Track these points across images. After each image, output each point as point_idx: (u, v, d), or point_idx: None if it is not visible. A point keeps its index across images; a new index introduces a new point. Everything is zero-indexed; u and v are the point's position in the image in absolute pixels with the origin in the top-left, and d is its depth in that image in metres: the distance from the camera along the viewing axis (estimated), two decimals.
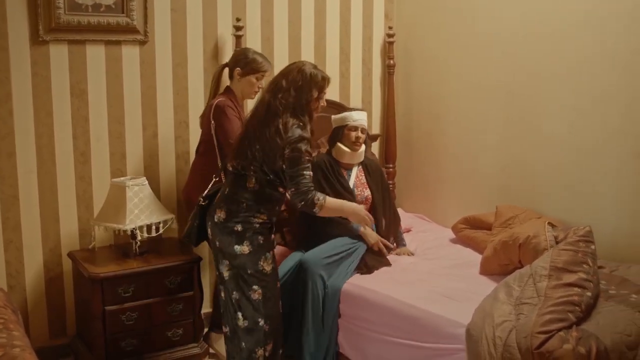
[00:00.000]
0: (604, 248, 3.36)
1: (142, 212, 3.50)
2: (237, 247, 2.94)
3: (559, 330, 2.47)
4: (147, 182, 3.61)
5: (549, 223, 3.30)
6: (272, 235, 3.06)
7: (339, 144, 3.69)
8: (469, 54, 4.14)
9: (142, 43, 3.76)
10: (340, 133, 3.68)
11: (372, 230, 3.61)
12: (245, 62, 3.54)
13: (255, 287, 2.97)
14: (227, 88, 3.60)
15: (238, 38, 3.89)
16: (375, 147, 4.60)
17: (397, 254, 3.76)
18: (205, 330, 3.82)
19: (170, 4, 3.81)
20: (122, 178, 3.60)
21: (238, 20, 3.88)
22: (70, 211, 3.68)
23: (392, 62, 4.56)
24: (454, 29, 4.24)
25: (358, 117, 3.68)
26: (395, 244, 3.81)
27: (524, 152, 3.85)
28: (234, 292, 2.99)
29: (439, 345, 2.84)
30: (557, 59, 3.63)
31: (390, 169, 4.57)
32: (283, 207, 3.30)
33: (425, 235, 4.09)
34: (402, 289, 3.18)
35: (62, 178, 3.64)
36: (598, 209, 3.50)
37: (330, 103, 4.31)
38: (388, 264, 3.54)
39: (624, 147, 3.37)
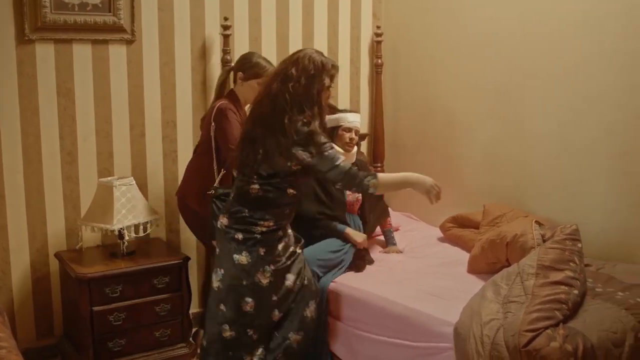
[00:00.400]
0: (591, 246, 3.38)
1: (129, 212, 3.48)
2: (235, 257, 2.83)
3: (546, 328, 2.49)
4: (134, 181, 3.59)
5: (536, 221, 3.32)
6: (279, 245, 2.89)
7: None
8: (457, 53, 4.16)
9: (129, 42, 3.74)
10: (334, 134, 3.67)
11: (359, 227, 3.64)
12: (248, 66, 3.49)
13: (248, 299, 2.85)
14: (231, 92, 3.56)
15: (226, 37, 3.88)
16: (363, 146, 4.60)
17: (385, 252, 3.77)
18: (194, 329, 3.80)
19: (158, 3, 3.79)
20: (109, 178, 3.59)
21: (226, 19, 3.88)
22: (57, 211, 3.66)
23: (380, 61, 4.57)
24: (442, 29, 4.25)
25: (353, 119, 3.67)
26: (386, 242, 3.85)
27: (512, 151, 3.87)
28: (221, 305, 2.89)
29: (427, 344, 2.84)
30: (546, 59, 3.65)
31: (379, 168, 4.58)
32: None
33: (413, 234, 4.10)
34: (390, 287, 3.19)
35: (49, 178, 3.62)
36: (585, 207, 3.53)
37: None
38: (371, 261, 3.55)
39: (611, 146, 3.40)
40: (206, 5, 3.95)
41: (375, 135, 4.62)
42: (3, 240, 3.53)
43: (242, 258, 2.81)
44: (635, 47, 3.25)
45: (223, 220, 2.88)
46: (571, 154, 3.57)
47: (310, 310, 3.01)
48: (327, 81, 2.81)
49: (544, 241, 3.09)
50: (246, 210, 2.82)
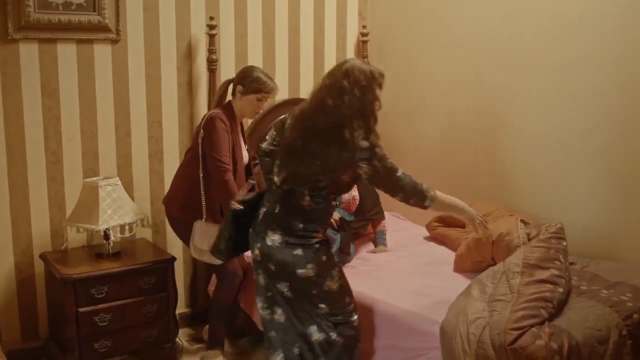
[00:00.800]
0: (576, 244, 3.41)
1: (115, 212, 3.47)
2: (300, 271, 2.71)
3: (532, 326, 2.51)
4: (120, 182, 3.58)
5: (521, 220, 3.34)
6: (333, 248, 2.88)
7: None
8: (443, 52, 4.17)
9: (114, 42, 3.72)
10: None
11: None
12: (248, 81, 3.44)
13: (322, 305, 2.77)
14: (228, 103, 3.52)
15: (211, 37, 3.87)
16: None
17: (372, 252, 3.79)
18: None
19: (143, 3, 3.77)
20: (94, 178, 3.57)
21: (211, 18, 3.86)
22: (42, 212, 3.63)
23: (366, 60, 4.58)
24: (428, 28, 4.27)
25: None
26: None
27: (497, 150, 3.89)
28: (299, 312, 2.78)
29: (414, 344, 2.85)
30: (531, 59, 3.67)
31: None
32: None
33: (400, 234, 4.11)
34: (377, 286, 3.20)
35: (34, 179, 3.59)
36: (570, 205, 3.55)
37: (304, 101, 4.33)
38: (348, 261, 3.62)
39: (594, 145, 3.42)
40: (191, 4, 3.94)
41: None
42: None
43: (309, 271, 2.72)
44: (621, 48, 3.28)
45: (274, 237, 2.73)
46: (556, 152, 3.59)
47: None
48: (377, 91, 2.76)
49: (529, 240, 3.11)
50: (300, 224, 2.73)
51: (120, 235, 3.60)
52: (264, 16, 4.22)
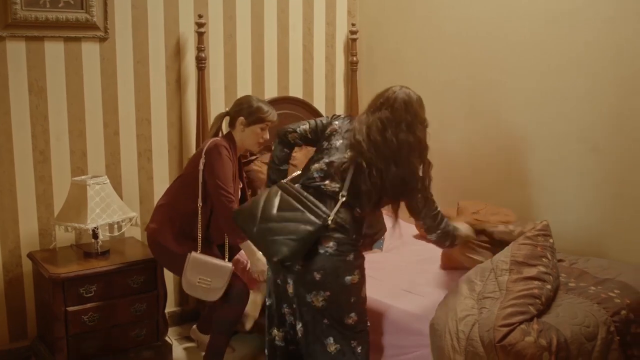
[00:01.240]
0: (564, 242, 3.42)
1: (103, 211, 3.45)
2: (347, 278, 2.68)
3: (521, 323, 2.52)
4: (108, 180, 3.56)
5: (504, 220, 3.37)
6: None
7: None
8: (432, 51, 4.18)
9: (102, 40, 3.70)
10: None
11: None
12: (249, 112, 3.31)
13: (352, 314, 2.74)
14: (229, 134, 3.38)
15: (200, 35, 3.86)
16: None
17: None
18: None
19: (131, 0, 3.76)
20: (82, 177, 3.55)
21: (200, 16, 3.85)
22: (30, 211, 3.62)
23: (355, 59, 4.58)
24: (418, 26, 4.27)
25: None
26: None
27: (486, 148, 3.90)
28: (325, 319, 2.71)
29: (404, 341, 2.86)
30: (520, 56, 3.68)
31: None
32: None
33: (389, 232, 4.11)
34: (367, 284, 3.19)
35: (21, 177, 3.57)
36: (558, 202, 3.57)
37: (293, 100, 4.33)
38: None
39: (583, 142, 3.44)
40: (180, 2, 3.93)
41: None
42: None
43: (355, 277, 2.72)
44: (610, 48, 3.29)
45: (329, 245, 2.67)
46: (547, 150, 3.60)
47: None
48: (426, 120, 2.82)
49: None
50: (352, 234, 2.73)
51: (108, 234, 3.58)
52: (253, 14, 4.21)
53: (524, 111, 3.68)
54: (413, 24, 4.30)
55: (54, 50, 3.58)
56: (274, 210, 2.69)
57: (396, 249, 3.81)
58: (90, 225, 3.40)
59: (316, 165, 2.79)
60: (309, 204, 2.67)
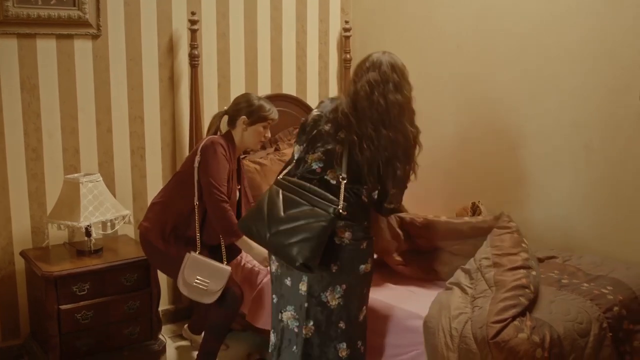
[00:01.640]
0: (557, 238, 3.44)
1: (96, 208, 3.44)
2: (361, 267, 2.68)
3: (514, 317, 2.52)
4: (101, 178, 3.55)
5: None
6: None
7: None
8: (426, 47, 4.18)
9: (94, 37, 3.69)
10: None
11: None
12: (251, 110, 3.27)
13: (364, 307, 2.74)
14: (228, 133, 3.34)
15: (193, 32, 3.85)
16: None
17: None
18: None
19: None
20: (75, 174, 3.54)
21: (193, 14, 3.84)
22: (22, 209, 3.60)
23: (348, 56, 4.57)
24: (411, 23, 4.27)
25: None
26: None
27: (479, 146, 3.91)
28: (341, 322, 2.69)
29: (401, 340, 2.86)
30: (512, 53, 3.69)
31: None
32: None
33: None
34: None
35: (13, 175, 3.55)
36: (551, 199, 3.58)
37: (287, 98, 4.32)
38: None
39: (576, 139, 3.45)
40: None
41: None
42: None
43: (368, 266, 2.71)
44: (602, 44, 3.30)
45: (344, 236, 2.65)
46: (540, 146, 3.61)
47: None
48: (411, 84, 2.79)
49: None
50: (364, 222, 2.70)
51: (102, 232, 3.57)
52: (246, 11, 4.20)
53: (517, 108, 3.69)
54: (406, 21, 4.30)
55: (46, 48, 3.56)
56: (281, 212, 2.61)
57: None
58: (83, 223, 3.39)
59: (314, 155, 2.72)
60: (315, 197, 2.61)
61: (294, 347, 2.76)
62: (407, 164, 2.70)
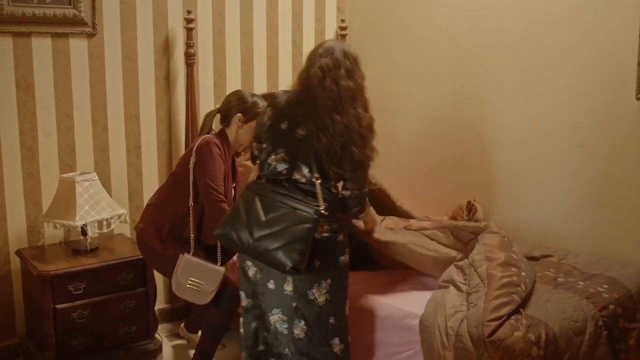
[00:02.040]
0: (553, 237, 3.44)
1: (92, 208, 3.44)
2: (341, 258, 2.69)
3: (509, 315, 2.53)
4: (97, 177, 3.54)
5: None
6: None
7: None
8: (421, 46, 4.18)
9: (90, 36, 3.68)
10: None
11: None
12: (245, 108, 3.23)
13: (347, 300, 2.74)
14: (222, 131, 3.30)
15: (189, 31, 3.84)
16: None
17: None
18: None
19: None
20: (71, 173, 3.53)
21: (189, 12, 3.84)
22: (18, 208, 3.59)
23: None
24: (407, 22, 4.27)
25: None
26: None
27: (474, 146, 3.91)
28: (331, 318, 2.69)
29: (398, 339, 2.87)
30: (509, 53, 3.70)
31: None
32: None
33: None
34: (363, 282, 3.20)
35: (9, 174, 3.54)
36: (546, 199, 3.59)
37: None
38: None
39: (570, 138, 3.46)
40: None
41: None
42: None
43: (346, 257, 2.71)
44: (596, 43, 3.31)
45: (325, 228, 2.64)
46: (535, 146, 3.62)
47: None
48: (364, 74, 2.77)
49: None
50: (337, 213, 2.69)
51: (97, 231, 3.57)
52: (242, 10, 4.20)
53: (514, 107, 3.69)
54: (402, 20, 4.30)
55: (41, 46, 3.56)
56: (262, 217, 2.59)
57: None
58: (79, 222, 3.38)
59: (277, 157, 2.69)
60: (293, 200, 2.60)
61: (286, 350, 2.76)
62: (364, 148, 2.66)
